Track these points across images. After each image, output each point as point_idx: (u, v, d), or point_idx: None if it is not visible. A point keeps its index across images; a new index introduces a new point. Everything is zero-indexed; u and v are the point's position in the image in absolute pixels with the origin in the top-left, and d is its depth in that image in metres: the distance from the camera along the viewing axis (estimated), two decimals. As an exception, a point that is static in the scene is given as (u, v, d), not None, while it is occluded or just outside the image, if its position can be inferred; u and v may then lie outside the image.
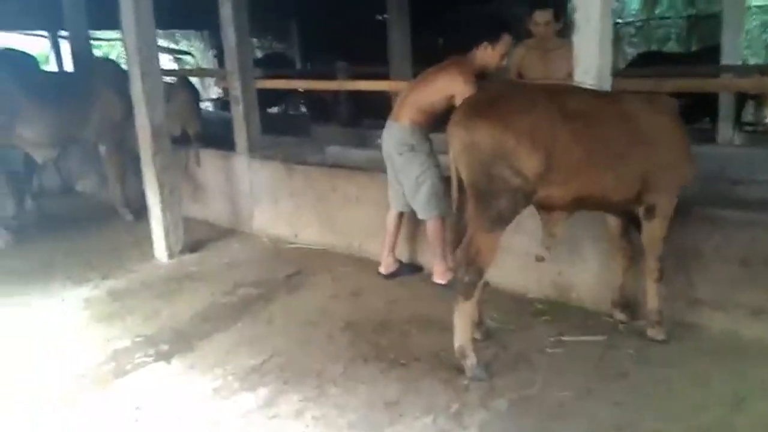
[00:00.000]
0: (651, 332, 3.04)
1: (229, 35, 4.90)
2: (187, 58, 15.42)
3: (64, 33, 9.28)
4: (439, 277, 3.83)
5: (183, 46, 15.97)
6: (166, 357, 3.20)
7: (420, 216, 3.82)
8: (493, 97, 2.87)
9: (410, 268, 4.12)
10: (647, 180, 2.87)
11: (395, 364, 2.97)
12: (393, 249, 4.04)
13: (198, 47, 16.09)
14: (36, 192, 6.40)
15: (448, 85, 3.57)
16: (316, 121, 8.25)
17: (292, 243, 4.92)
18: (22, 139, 5.20)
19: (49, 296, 4.07)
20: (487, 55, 3.63)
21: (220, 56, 14.32)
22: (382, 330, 3.34)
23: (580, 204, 2.91)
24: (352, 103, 8.95)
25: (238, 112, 5.07)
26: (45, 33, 11.68)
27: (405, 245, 4.21)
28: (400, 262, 4.11)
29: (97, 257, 4.80)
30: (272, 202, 5.08)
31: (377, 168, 4.29)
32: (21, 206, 5.99)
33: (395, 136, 3.77)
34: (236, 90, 5.01)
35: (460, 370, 2.82)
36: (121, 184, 5.75)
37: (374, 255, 4.31)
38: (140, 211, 5.27)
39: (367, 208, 4.45)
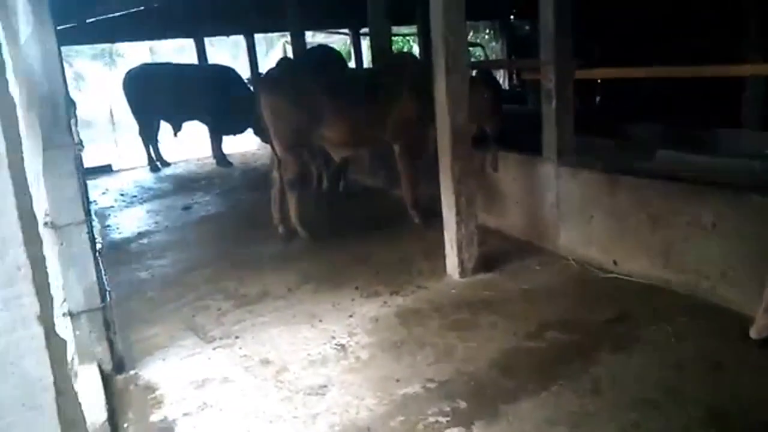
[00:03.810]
0: None
1: (548, 19, 4.08)
2: (475, 50, 15.16)
3: (363, 30, 9.68)
4: None
5: (470, 38, 15.75)
6: (464, 421, 2.56)
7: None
8: None
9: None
10: None
11: None
12: (777, 307, 2.83)
13: (483, 39, 15.73)
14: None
15: None
16: (618, 118, 6.99)
17: (608, 272, 3.95)
18: (324, 139, 5.13)
19: (338, 310, 3.78)
20: None
21: (509, 48, 13.75)
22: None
23: None
24: (668, 97, 7.48)
25: (549, 109, 4.22)
26: (346, 31, 12.55)
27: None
28: (786, 325, 2.86)
29: (385, 267, 4.45)
30: (585, 218, 4.15)
31: (733, 183, 3.19)
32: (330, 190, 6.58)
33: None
34: (550, 83, 4.17)
35: None
36: (412, 185, 5.38)
37: (734, 305, 3.19)
38: (429, 214, 4.84)
39: (726, 238, 3.28)
